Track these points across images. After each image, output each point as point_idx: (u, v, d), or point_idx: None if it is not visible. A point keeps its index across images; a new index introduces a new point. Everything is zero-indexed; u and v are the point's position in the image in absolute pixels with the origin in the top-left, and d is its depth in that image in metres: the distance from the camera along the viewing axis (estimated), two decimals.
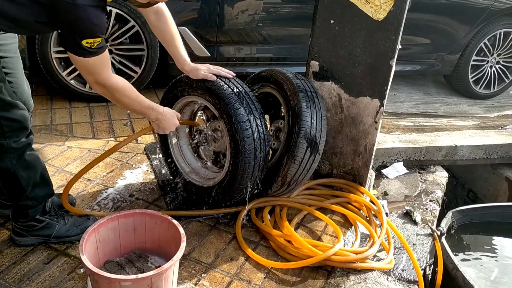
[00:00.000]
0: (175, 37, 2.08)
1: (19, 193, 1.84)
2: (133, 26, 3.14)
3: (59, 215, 2.01)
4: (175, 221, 1.75)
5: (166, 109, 2.02)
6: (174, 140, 2.41)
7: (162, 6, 2.01)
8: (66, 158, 2.61)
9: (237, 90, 2.07)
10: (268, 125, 2.61)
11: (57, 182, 2.38)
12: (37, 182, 1.86)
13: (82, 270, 1.84)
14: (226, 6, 3.32)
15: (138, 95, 1.87)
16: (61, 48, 3.10)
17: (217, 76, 2.09)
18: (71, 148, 2.72)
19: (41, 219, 1.93)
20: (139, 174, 2.57)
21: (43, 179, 1.90)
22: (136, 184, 2.48)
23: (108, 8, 3.02)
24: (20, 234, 1.94)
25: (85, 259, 1.53)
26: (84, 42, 1.57)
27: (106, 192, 2.38)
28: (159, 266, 1.58)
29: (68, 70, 3.15)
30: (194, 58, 3.44)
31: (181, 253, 1.61)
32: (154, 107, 1.94)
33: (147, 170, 2.61)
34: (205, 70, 2.09)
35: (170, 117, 2.02)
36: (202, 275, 1.93)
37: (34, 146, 1.89)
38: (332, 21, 2.35)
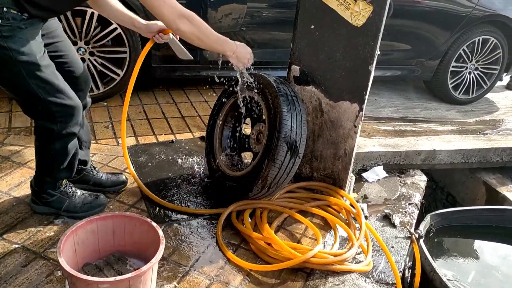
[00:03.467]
0: (119, 10, 2.12)
1: (46, 171, 2.06)
2: (115, 29, 3.13)
3: (72, 191, 2.16)
4: (154, 224, 1.75)
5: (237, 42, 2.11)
6: None
7: None
8: None
9: None
10: (250, 129, 2.63)
11: None
12: (65, 167, 2.05)
13: (59, 273, 1.83)
14: (210, 10, 3.33)
15: (209, 30, 1.96)
16: None
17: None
18: None
19: (52, 193, 2.11)
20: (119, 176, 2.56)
21: (71, 166, 2.09)
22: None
23: (90, 10, 3.03)
24: (35, 202, 2.15)
25: (62, 261, 1.53)
26: None
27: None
28: (138, 269, 1.58)
29: None
30: (177, 60, 3.44)
31: (160, 256, 1.61)
32: (228, 40, 2.04)
33: (128, 173, 2.60)
34: (155, 28, 2.16)
35: (244, 46, 2.11)
36: (182, 277, 1.93)
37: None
38: (312, 26, 2.38)
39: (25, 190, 2.32)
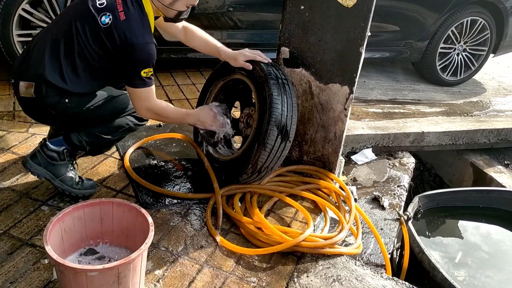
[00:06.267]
0: (204, 40, 2.37)
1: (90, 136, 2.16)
2: None
3: (74, 166, 2.21)
4: (143, 210, 1.72)
5: (199, 108, 2.39)
6: None
7: (184, 23, 2.34)
8: (30, 145, 2.53)
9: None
10: (239, 112, 2.60)
11: (21, 170, 2.31)
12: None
13: (46, 261, 1.80)
14: None
15: (176, 109, 2.27)
16: (24, 31, 2.98)
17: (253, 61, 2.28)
18: (35, 135, 2.63)
19: (64, 157, 2.13)
20: (106, 161, 2.51)
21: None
22: (103, 172, 2.42)
23: None
24: (37, 161, 2.10)
25: (49, 249, 1.49)
26: (142, 73, 1.96)
27: None
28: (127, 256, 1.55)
29: None
30: (163, 42, 3.38)
31: (149, 242, 1.58)
32: (190, 112, 2.34)
33: (115, 158, 2.56)
34: (242, 59, 2.28)
35: (206, 112, 2.35)
36: (172, 263, 1.92)
37: None
38: (302, 7, 2.33)
39: (9, 176, 2.27)
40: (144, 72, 1.96)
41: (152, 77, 2.03)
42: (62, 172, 2.14)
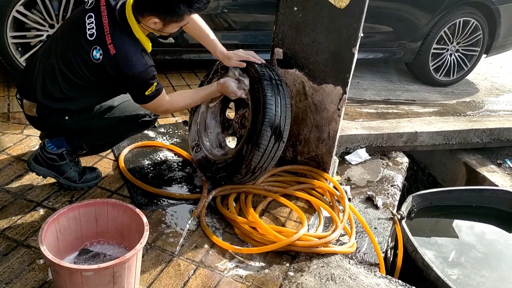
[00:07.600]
0: (204, 32, 2.32)
1: (88, 138, 2.21)
2: None
3: (77, 161, 2.27)
4: (138, 210, 1.73)
5: (221, 80, 2.31)
6: None
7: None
8: (25, 147, 2.53)
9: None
10: (234, 113, 2.61)
11: (16, 172, 2.31)
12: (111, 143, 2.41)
13: (41, 261, 1.81)
14: None
15: (191, 94, 2.35)
16: (18, 33, 2.99)
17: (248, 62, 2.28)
18: (29, 136, 2.64)
19: (64, 157, 2.18)
20: (101, 162, 2.52)
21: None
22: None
23: None
24: (39, 162, 2.17)
25: (44, 249, 1.50)
26: (147, 92, 1.99)
27: None
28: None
29: (26, 56, 3.03)
30: (158, 44, 3.38)
31: (144, 242, 1.60)
32: (208, 88, 2.34)
33: (110, 159, 2.57)
34: (236, 59, 2.29)
35: (226, 84, 2.29)
36: (167, 263, 1.93)
37: None
38: (295, 8, 2.35)
39: (4, 177, 2.27)
40: (148, 91, 2.00)
41: (159, 87, 2.04)
42: (65, 170, 2.21)
